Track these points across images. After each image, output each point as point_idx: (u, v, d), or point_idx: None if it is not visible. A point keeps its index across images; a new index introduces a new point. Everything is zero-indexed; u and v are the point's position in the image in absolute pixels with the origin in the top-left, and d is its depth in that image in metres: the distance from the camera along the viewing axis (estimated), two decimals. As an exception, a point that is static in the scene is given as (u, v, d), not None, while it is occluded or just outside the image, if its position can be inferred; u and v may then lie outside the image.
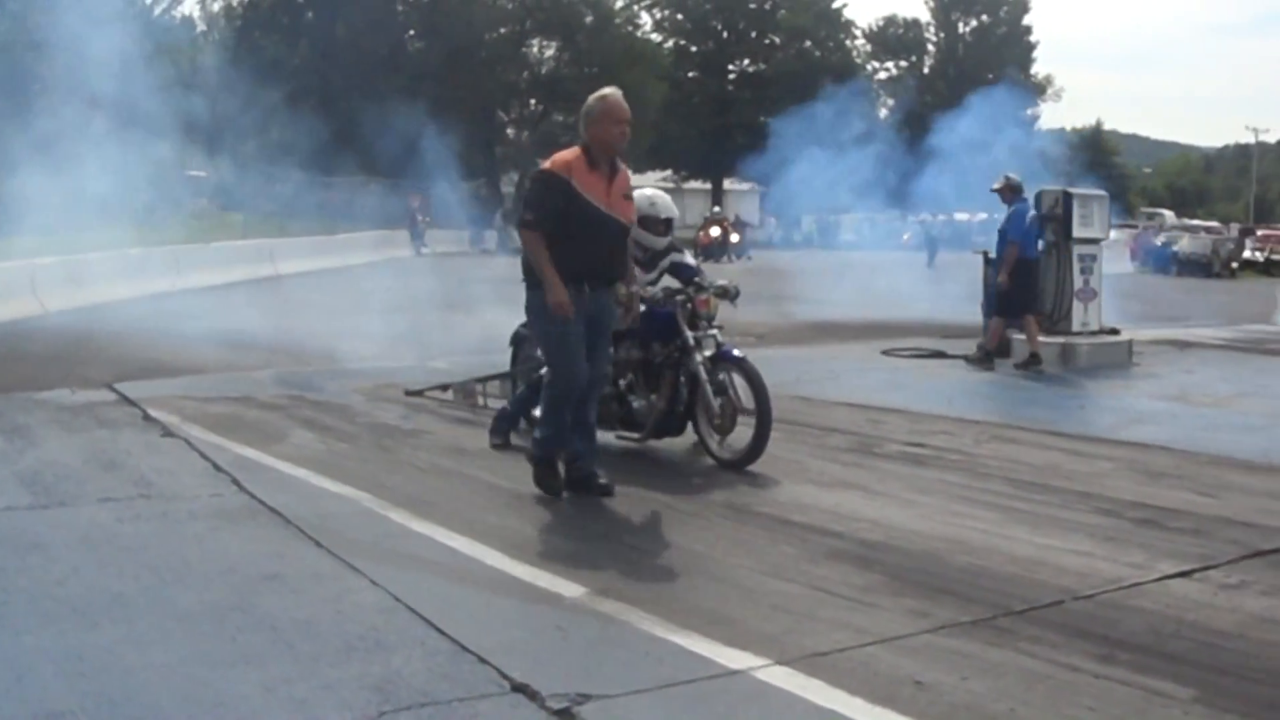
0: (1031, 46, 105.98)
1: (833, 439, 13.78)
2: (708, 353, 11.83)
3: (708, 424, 11.99)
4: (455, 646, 6.68)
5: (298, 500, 10.24)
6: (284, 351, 20.31)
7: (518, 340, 14.06)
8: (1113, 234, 66.98)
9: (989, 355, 19.98)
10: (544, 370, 11.52)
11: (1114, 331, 20.77)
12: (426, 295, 30.55)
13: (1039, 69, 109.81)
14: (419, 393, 15.85)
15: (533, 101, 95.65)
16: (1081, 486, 11.07)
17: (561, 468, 10.64)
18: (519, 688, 6.03)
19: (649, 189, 13.30)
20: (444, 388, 15.89)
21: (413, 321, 24.15)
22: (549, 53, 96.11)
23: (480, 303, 26.43)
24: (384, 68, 74.14)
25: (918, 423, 14.66)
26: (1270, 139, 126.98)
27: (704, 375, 11.70)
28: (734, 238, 65.28)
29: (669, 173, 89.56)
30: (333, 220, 58.10)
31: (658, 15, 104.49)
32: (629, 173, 11.04)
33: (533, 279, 10.37)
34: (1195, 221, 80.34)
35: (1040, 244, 20.26)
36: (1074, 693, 6.15)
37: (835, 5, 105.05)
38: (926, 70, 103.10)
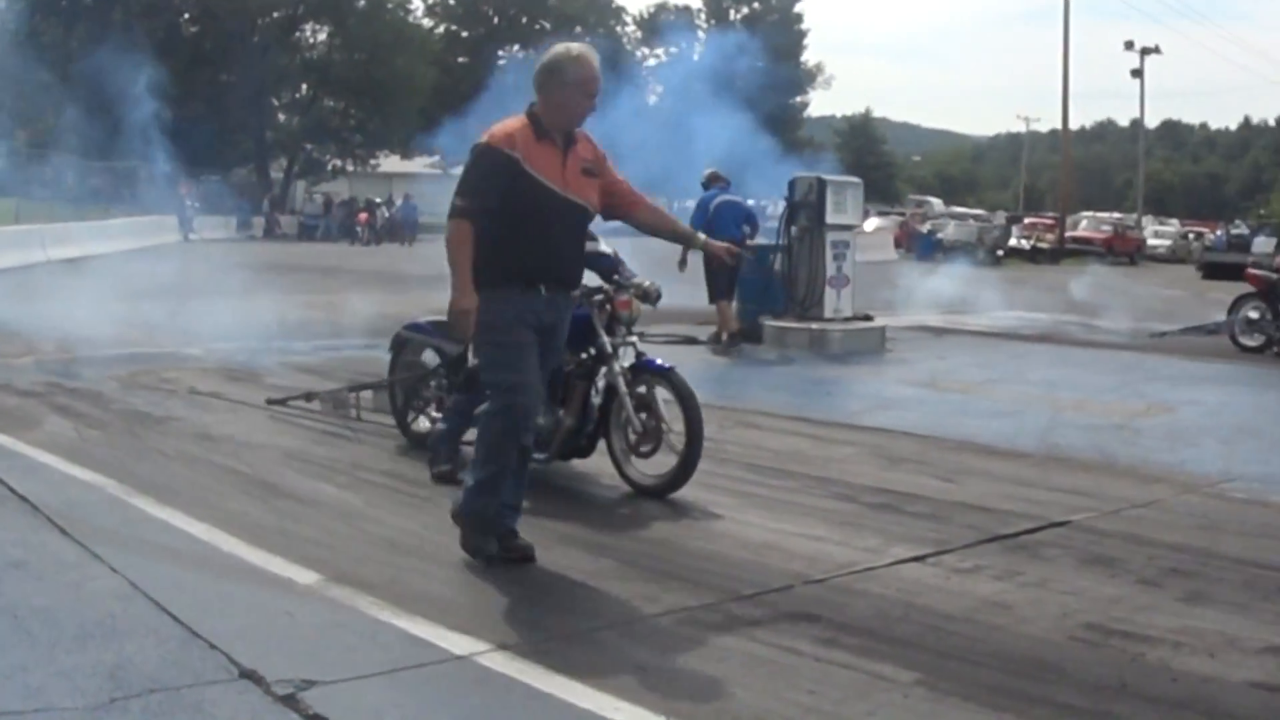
0: (803, 34, 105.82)
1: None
2: (627, 362, 10.27)
3: (624, 444, 10.42)
4: (187, 633, 6.56)
5: (46, 487, 9.96)
6: (47, 338, 19.52)
7: (398, 345, 12.33)
8: (880, 221, 68.65)
9: (735, 339, 20.25)
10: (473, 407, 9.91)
11: (867, 318, 21.03)
12: (189, 282, 29.88)
13: (810, 56, 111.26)
14: (281, 401, 14.04)
15: (304, 86, 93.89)
16: (820, 472, 11.21)
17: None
18: (246, 674, 5.95)
19: None
20: (308, 396, 13.91)
21: (172, 308, 23.41)
22: (321, 37, 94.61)
23: (240, 290, 26.35)
24: (159, 52, 73.01)
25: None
26: (1042, 128, 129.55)
27: (624, 388, 10.06)
28: None
29: (437, 158, 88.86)
30: (106, 205, 56.82)
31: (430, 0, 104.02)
32: (592, 140, 8.68)
33: (484, 279, 8.19)
34: (962, 209, 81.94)
35: (747, 229, 20.58)
36: (795, 676, 6.20)
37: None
38: (696, 58, 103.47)
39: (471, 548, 8.31)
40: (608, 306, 10.31)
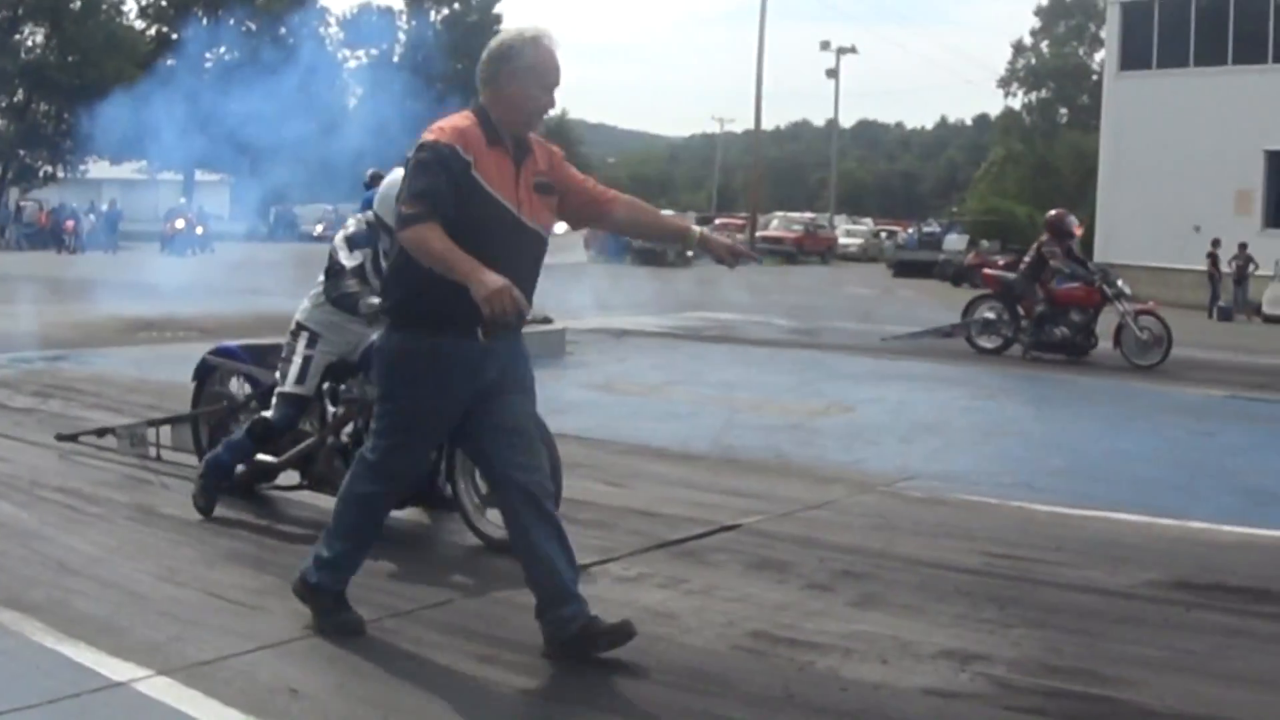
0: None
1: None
2: None
3: (471, 491, 8.85)
4: None
5: None
6: None
7: (203, 372, 10.54)
8: (564, 225, 69.44)
9: None
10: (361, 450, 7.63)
11: (547, 320, 20.59)
12: None
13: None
14: (72, 437, 11.78)
15: (20, 90, 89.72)
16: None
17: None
18: (-95, 708, 5.60)
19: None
20: (101, 432, 11.76)
21: None
22: (38, 39, 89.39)
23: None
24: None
25: None
26: (736, 129, 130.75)
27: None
28: (199, 230, 60.35)
29: (143, 163, 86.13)
30: None
31: (143, 1, 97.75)
32: (546, 144, 7.02)
33: (400, 316, 6.61)
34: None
35: None
36: (446, 693, 6.05)
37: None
38: (396, 59, 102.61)
39: (338, 626, 6.77)
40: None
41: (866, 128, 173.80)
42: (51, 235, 60.22)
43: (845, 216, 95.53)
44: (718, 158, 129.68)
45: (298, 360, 8.95)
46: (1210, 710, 6.20)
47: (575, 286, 34.28)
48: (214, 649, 6.65)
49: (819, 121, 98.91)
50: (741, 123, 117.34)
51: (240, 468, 9.48)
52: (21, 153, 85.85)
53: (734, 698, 6.06)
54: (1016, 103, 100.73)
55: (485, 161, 6.29)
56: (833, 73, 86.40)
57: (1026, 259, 22.79)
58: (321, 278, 9.23)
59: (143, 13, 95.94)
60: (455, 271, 6.14)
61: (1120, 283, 22.03)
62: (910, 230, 78.24)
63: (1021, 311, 22.79)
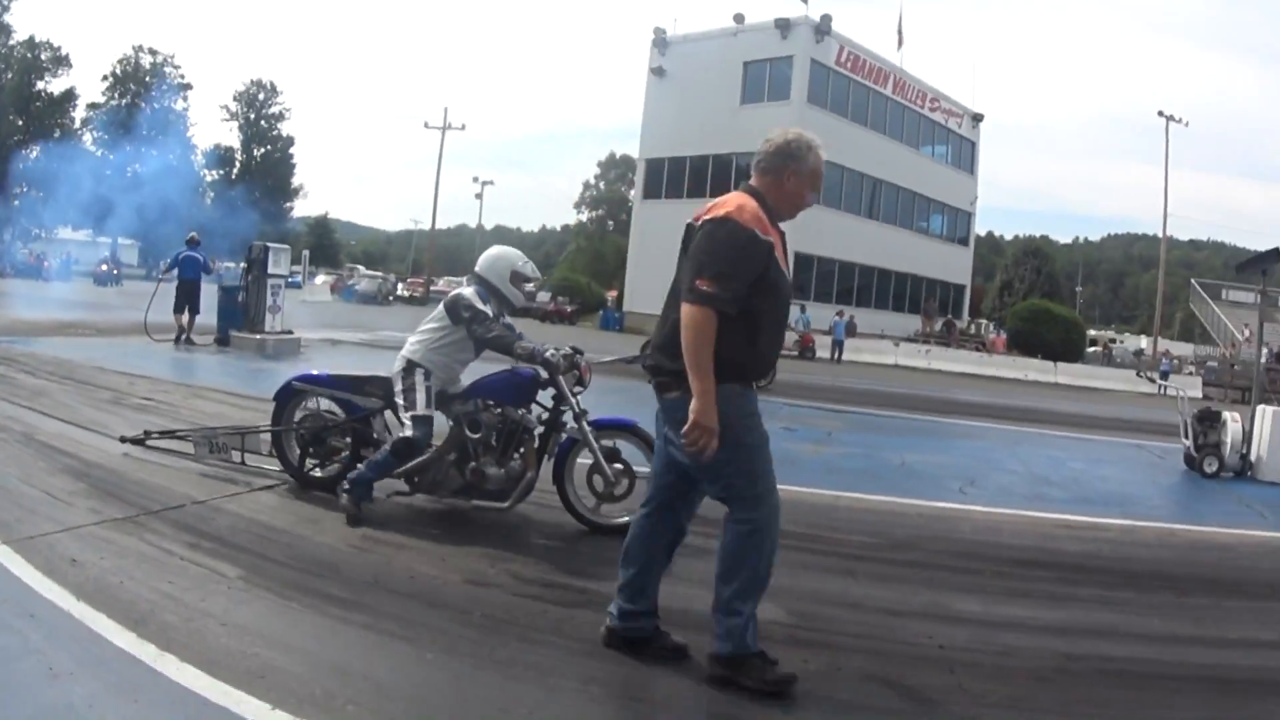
0: (293, 166, 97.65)
1: (99, 393, 12.51)
2: (589, 419, 7.45)
3: (590, 492, 7.66)
4: None
5: None
6: None
7: (287, 395, 8.38)
8: (325, 277, 67.26)
9: (188, 339, 20.15)
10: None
11: (289, 332, 20.69)
12: None
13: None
14: (140, 440, 9.12)
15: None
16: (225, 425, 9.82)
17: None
18: None
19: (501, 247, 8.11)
20: (169, 434, 9.25)
21: None
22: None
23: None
24: None
25: (154, 386, 13.55)
26: (425, 227, 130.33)
27: (594, 443, 7.41)
28: (115, 271, 55.36)
29: (89, 231, 77.85)
30: None
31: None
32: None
33: (719, 373, 4.72)
34: (372, 272, 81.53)
35: (203, 271, 21.06)
36: (164, 570, 5.81)
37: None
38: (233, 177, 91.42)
39: (772, 680, 4.87)
40: (575, 371, 7.53)
41: (500, 229, 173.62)
42: (33, 269, 56.79)
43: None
44: (412, 242, 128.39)
45: (422, 391, 7.41)
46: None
47: (318, 314, 33.50)
48: (37, 528, 6.41)
49: (473, 224, 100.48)
50: (425, 223, 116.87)
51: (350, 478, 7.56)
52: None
53: (340, 580, 5.91)
54: (584, 217, 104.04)
55: (775, 243, 4.86)
56: (479, 195, 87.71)
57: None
58: (431, 325, 7.60)
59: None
60: (696, 375, 4.60)
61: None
62: None
63: None
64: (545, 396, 7.60)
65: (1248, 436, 13.80)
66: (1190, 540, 9.26)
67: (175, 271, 21.19)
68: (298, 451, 8.21)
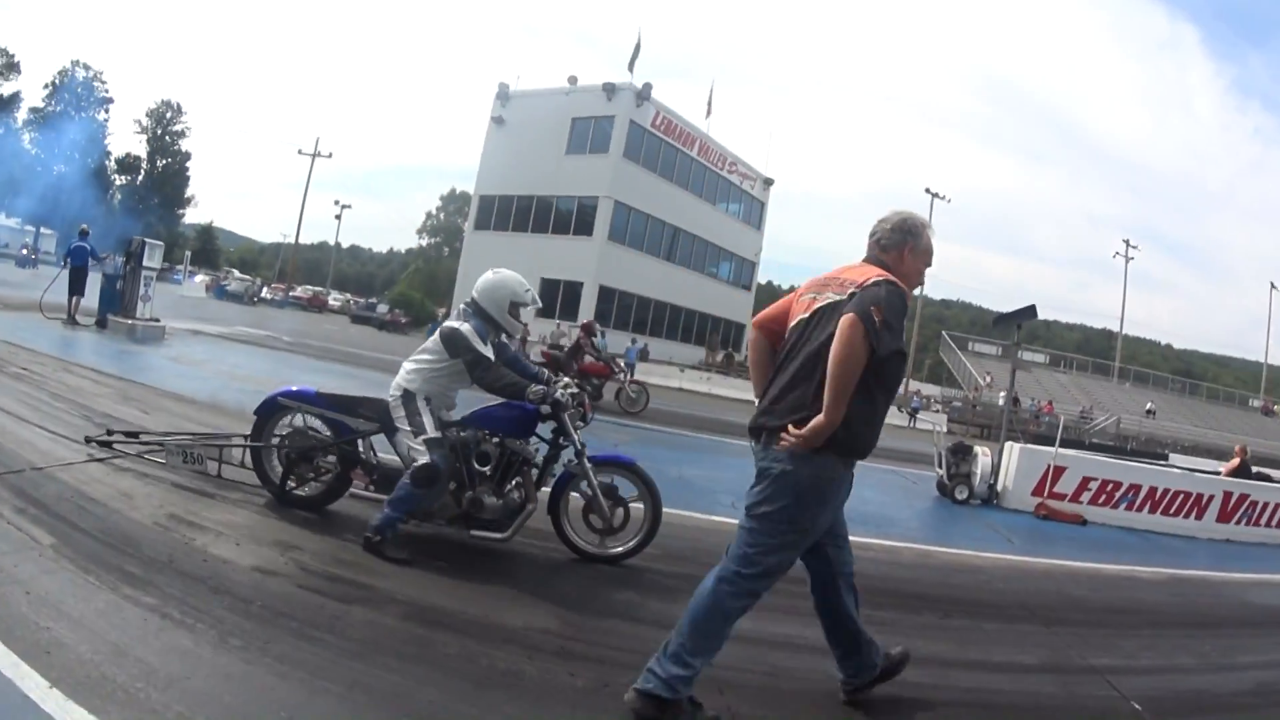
0: (188, 179, 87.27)
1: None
2: (589, 455, 6.44)
3: (586, 526, 6.54)
4: None
5: None
6: None
7: (271, 410, 6.71)
8: (203, 277, 64.27)
9: (72, 319, 18.42)
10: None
11: (156, 320, 19.07)
12: None
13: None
14: (106, 442, 7.45)
15: None
16: (88, 403, 9.31)
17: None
18: None
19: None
20: (134, 435, 7.62)
21: None
22: None
23: None
24: None
25: (33, 358, 12.09)
26: (293, 240, 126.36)
27: (593, 478, 6.41)
28: (33, 256, 52.52)
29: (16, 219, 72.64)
30: None
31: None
32: None
33: (839, 446, 4.03)
34: (243, 276, 78.49)
35: (90, 259, 19.44)
36: None
37: None
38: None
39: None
40: (580, 407, 6.47)
41: (355, 248, 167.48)
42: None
43: (337, 291, 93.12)
44: (280, 253, 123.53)
45: (427, 414, 6.04)
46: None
47: (190, 309, 31.58)
48: None
49: (333, 241, 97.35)
50: (293, 237, 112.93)
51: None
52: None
53: (136, 557, 5.12)
54: (424, 242, 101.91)
55: None
56: (338, 216, 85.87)
57: (567, 345, 20.50)
58: (427, 356, 6.19)
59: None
60: (842, 399, 3.85)
61: (621, 363, 20.37)
62: (362, 300, 76.98)
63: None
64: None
65: (995, 468, 13.59)
66: (946, 562, 8.64)
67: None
68: (280, 469, 6.69)
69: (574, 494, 6.55)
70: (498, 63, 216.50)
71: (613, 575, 6.23)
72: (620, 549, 6.49)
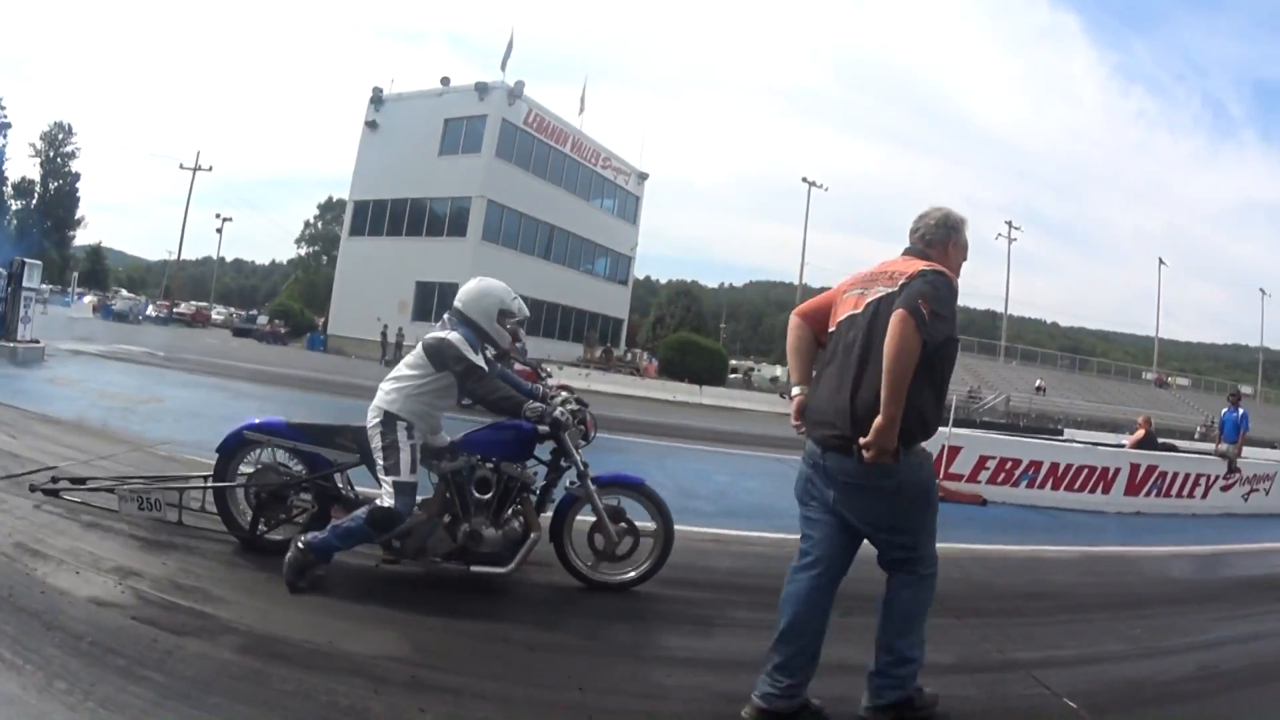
0: (78, 200, 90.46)
1: None
2: (592, 477, 5.88)
3: (591, 551, 6.07)
4: None
5: None
6: None
7: (236, 445, 6.02)
8: (91, 298, 63.24)
9: None
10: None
11: (36, 341, 18.69)
12: None
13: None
14: (53, 491, 6.56)
15: None
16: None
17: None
18: None
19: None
20: (82, 481, 6.71)
21: None
22: None
23: None
24: None
25: None
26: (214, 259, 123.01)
27: (598, 501, 5.92)
28: None
29: None
30: None
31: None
32: None
33: (918, 433, 4.13)
34: (129, 294, 75.92)
35: None
36: None
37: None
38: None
39: (931, 702, 4.37)
40: (581, 426, 5.93)
41: (239, 261, 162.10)
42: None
43: (221, 305, 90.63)
44: (166, 270, 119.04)
45: (407, 452, 5.37)
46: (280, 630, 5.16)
47: (74, 329, 30.78)
48: None
49: (216, 256, 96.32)
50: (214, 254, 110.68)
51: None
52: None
53: None
54: (303, 252, 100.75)
55: None
56: (219, 230, 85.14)
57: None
58: (410, 370, 5.58)
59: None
60: (898, 395, 3.86)
61: (547, 369, 20.58)
62: (244, 313, 75.70)
63: None
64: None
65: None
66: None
67: None
68: (249, 512, 5.90)
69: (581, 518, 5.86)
70: (374, 70, 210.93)
71: (479, 588, 5.55)
72: (632, 574, 5.84)
